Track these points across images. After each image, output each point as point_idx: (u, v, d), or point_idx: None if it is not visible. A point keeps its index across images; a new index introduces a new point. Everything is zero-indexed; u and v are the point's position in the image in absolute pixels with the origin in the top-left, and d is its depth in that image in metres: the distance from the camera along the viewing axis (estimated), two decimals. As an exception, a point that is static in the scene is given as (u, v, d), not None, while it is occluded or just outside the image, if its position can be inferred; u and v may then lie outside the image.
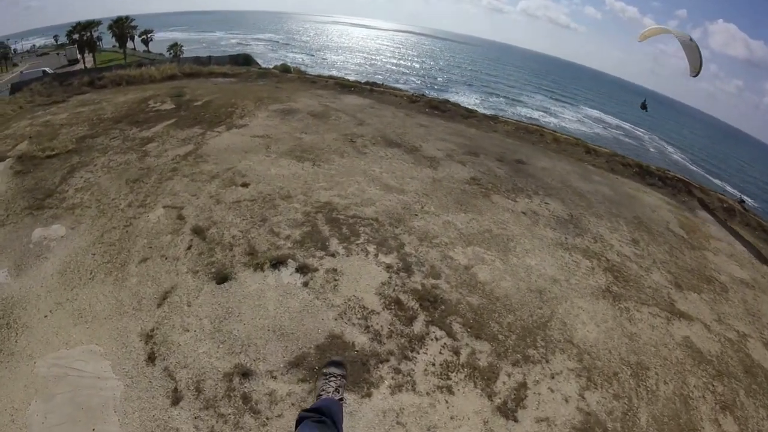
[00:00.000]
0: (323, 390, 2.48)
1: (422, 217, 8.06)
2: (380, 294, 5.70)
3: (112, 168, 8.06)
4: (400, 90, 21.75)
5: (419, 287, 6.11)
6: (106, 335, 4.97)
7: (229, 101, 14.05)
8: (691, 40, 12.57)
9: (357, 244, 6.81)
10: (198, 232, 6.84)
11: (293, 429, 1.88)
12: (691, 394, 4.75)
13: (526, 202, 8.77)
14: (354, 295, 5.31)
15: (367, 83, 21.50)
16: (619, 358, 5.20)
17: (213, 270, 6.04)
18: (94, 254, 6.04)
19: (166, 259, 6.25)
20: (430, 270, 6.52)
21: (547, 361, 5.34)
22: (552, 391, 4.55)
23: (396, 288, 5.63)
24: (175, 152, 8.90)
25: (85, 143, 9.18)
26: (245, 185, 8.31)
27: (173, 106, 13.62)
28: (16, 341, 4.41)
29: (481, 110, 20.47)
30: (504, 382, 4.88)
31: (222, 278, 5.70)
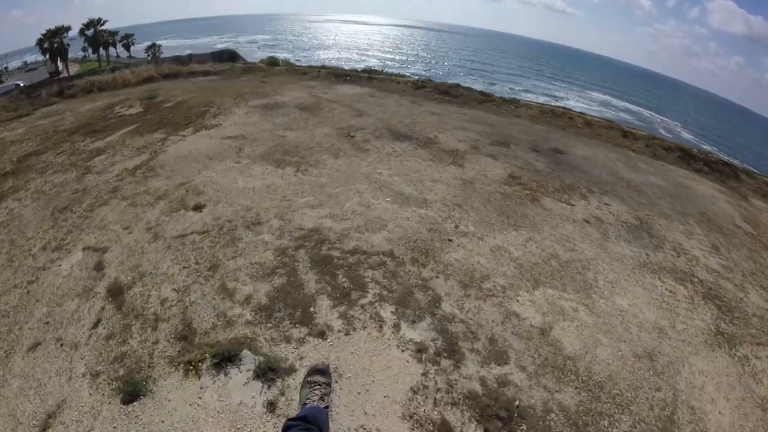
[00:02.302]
0: (308, 399, 2.33)
1: (460, 244, 5.47)
2: (411, 416, 3.10)
3: (43, 193, 6.72)
4: (402, 77, 19.11)
5: (477, 388, 3.44)
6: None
7: (205, 99, 12.38)
8: None
9: (362, 307, 4.15)
10: (115, 293, 4.40)
11: None
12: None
13: (583, 205, 6.96)
14: (363, 427, 2.62)
15: (364, 71, 18.98)
16: (762, 453, 3.58)
17: (121, 372, 3.48)
18: (-17, 332, 4.19)
19: (62, 345, 4.02)
20: (488, 346, 3.87)
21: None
22: None
23: (438, 397, 3.15)
24: (123, 165, 7.52)
25: (26, 162, 8.14)
26: (198, 208, 5.88)
27: (141, 109, 12.15)
28: None
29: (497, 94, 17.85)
30: None
31: (132, 392, 3.10)
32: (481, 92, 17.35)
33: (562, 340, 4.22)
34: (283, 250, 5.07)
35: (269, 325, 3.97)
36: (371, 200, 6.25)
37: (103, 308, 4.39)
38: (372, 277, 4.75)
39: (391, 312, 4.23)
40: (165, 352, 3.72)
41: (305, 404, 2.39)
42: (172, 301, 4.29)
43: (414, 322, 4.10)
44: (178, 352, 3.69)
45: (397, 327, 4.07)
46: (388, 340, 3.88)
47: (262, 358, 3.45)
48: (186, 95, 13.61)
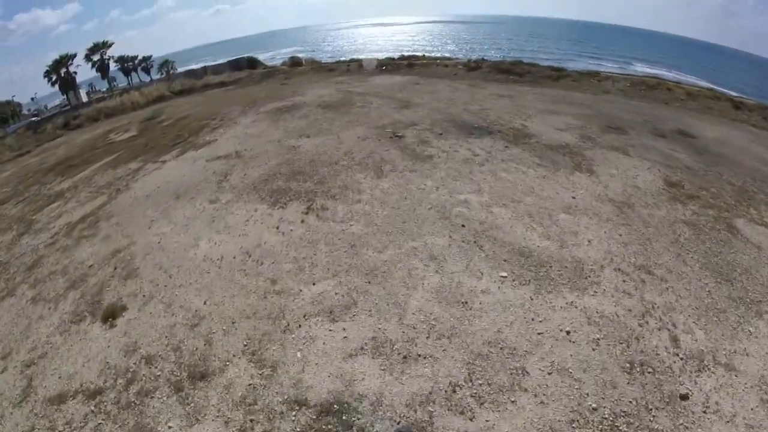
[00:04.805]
0: None
1: (706, 409, 2.14)
2: None
3: (-42, 273, 5.29)
4: (449, 59, 15.62)
5: None
6: None
7: (210, 112, 10.51)
8: None
9: None
10: None
11: None
12: None
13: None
14: None
15: (402, 58, 15.54)
16: None
17: None
18: None
19: None
20: None
21: None
22: None
23: None
24: (69, 217, 6.03)
25: (-24, 221, 7.24)
26: (112, 317, 3.36)
27: (134, 133, 10.78)
28: None
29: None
30: None
31: None
32: (551, 67, 13.83)
33: None
34: None
35: None
36: (465, 277, 2.87)
37: None
38: None
39: None
40: None
41: None
42: None
43: None
44: None
45: None
46: None
47: None
48: (191, 110, 11.77)
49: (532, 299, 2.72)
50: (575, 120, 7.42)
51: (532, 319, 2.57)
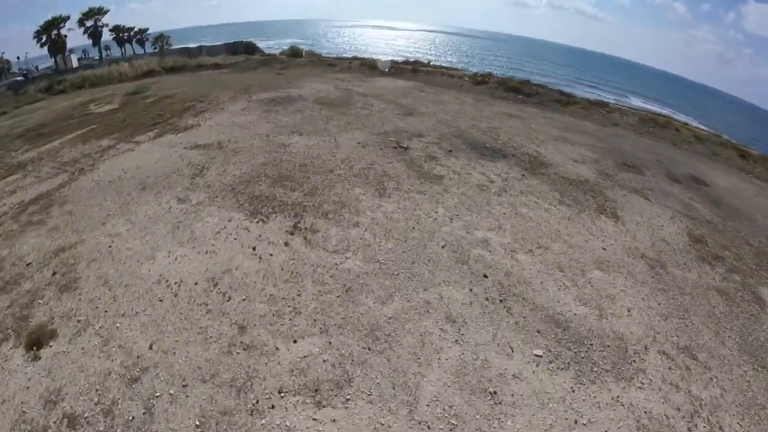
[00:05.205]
0: None
1: None
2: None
3: None
4: (456, 69, 15.17)
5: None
6: None
7: (198, 93, 9.83)
8: None
9: None
10: None
11: None
12: None
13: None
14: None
15: (406, 62, 15.01)
16: None
17: None
18: None
19: None
20: None
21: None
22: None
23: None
24: (23, 195, 5.40)
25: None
26: (37, 347, 2.64)
27: (116, 106, 10.19)
28: None
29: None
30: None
31: None
32: (560, 91, 13.58)
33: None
34: None
35: None
36: (492, 353, 2.35)
37: None
38: None
39: None
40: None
41: None
42: None
43: None
44: None
45: None
46: None
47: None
48: (178, 89, 11.13)
49: (573, 391, 2.17)
50: (589, 152, 7.16)
51: (575, 421, 2.02)
